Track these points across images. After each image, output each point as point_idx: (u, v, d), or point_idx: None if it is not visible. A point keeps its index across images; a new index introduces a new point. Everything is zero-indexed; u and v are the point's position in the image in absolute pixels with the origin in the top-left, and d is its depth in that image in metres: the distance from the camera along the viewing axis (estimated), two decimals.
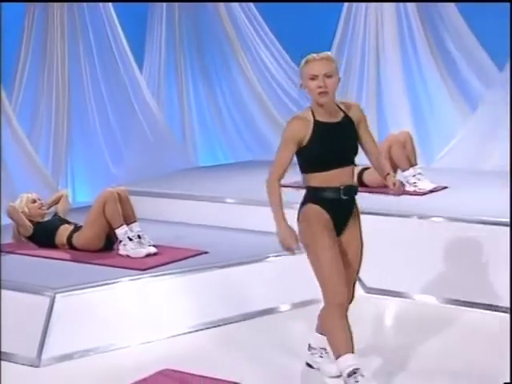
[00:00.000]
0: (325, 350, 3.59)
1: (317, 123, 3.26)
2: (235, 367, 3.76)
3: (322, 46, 8.31)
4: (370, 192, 5.78)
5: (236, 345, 4.17)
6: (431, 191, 5.73)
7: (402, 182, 3.61)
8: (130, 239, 4.79)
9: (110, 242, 4.92)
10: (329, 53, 3.34)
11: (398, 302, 4.85)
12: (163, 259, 4.69)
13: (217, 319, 4.43)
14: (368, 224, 5.08)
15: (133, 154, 7.91)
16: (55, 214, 5.31)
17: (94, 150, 7.85)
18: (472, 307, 4.62)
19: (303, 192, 6.20)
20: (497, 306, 4.53)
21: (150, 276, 4.46)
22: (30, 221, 5.12)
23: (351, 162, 3.34)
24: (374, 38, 8.06)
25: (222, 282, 4.63)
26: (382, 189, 5.84)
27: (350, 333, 3.20)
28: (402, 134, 5.99)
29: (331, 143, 3.25)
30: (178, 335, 4.28)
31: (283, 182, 6.63)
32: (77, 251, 4.90)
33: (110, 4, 8.00)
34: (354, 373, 3.09)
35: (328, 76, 3.23)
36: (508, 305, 4.47)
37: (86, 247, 4.89)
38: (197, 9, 8.82)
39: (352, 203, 3.39)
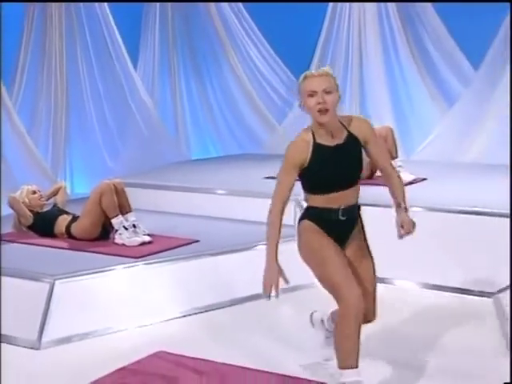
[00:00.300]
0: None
1: (317, 146, 2.96)
2: (225, 350, 3.76)
3: (308, 45, 8.44)
4: None
5: (226, 328, 4.17)
6: (411, 182, 5.74)
7: (413, 222, 3.15)
8: (126, 228, 4.79)
9: (106, 232, 4.92)
10: (328, 68, 3.03)
11: (379, 287, 4.85)
12: (157, 247, 4.69)
13: (208, 304, 4.43)
14: None
15: (128, 148, 7.91)
16: (54, 205, 5.29)
17: (91, 144, 7.84)
18: (448, 291, 4.64)
19: None
20: (471, 291, 4.56)
21: (145, 263, 4.46)
22: (30, 211, 5.10)
23: (355, 183, 3.07)
24: (357, 38, 8.07)
25: (212, 269, 4.63)
26: (363, 180, 5.86)
27: (359, 344, 2.96)
28: (383, 128, 5.98)
29: (332, 167, 2.96)
30: (171, 319, 4.28)
31: (272, 174, 6.64)
32: (75, 240, 4.89)
33: (106, 4, 7.97)
34: None
35: (327, 92, 2.93)
36: (482, 289, 4.50)
37: (84, 236, 4.89)
38: (189, 9, 8.80)
39: (353, 220, 3.13)
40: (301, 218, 3.12)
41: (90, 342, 3.99)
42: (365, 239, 3.21)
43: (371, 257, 3.21)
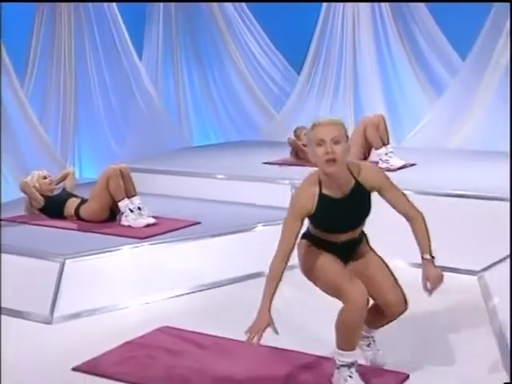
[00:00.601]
0: (372, 338, 3.17)
1: (322, 197, 2.79)
2: (225, 325, 3.77)
3: (304, 38, 8.41)
4: None
5: (226, 305, 4.18)
6: (401, 167, 5.76)
7: (441, 275, 2.90)
8: (131, 211, 4.79)
9: (113, 214, 4.92)
10: (338, 117, 2.83)
11: None
12: (161, 229, 4.69)
13: (209, 282, 4.45)
14: None
15: (133, 135, 7.90)
16: (63, 189, 5.29)
17: (98, 131, 7.83)
18: None
19: (287, 169, 6.22)
20: (458, 269, 4.58)
21: (149, 244, 4.47)
22: (41, 195, 5.10)
23: (359, 227, 2.94)
24: (351, 31, 8.04)
25: (213, 250, 4.64)
26: None
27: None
28: (375, 116, 5.99)
29: (336, 218, 2.82)
30: (174, 296, 4.30)
31: (269, 159, 6.64)
32: (83, 222, 4.90)
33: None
34: (352, 364, 2.89)
35: (336, 142, 2.73)
36: (467, 267, 4.51)
37: (92, 218, 4.89)
38: (191, 6, 8.76)
39: (355, 245, 2.99)
40: (301, 237, 2.96)
41: (98, 317, 4.01)
42: (372, 251, 3.08)
43: (377, 256, 3.09)
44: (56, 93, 7.51)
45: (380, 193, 2.92)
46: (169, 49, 8.82)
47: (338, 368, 2.93)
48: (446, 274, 4.49)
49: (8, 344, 3.65)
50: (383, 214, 4.93)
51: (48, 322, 3.93)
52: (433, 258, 2.94)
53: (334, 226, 2.88)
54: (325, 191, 2.81)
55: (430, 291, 2.90)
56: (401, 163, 5.78)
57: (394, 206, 2.95)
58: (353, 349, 2.89)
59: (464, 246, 4.61)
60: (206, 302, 4.24)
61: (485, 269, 4.43)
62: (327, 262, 2.90)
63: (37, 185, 5.12)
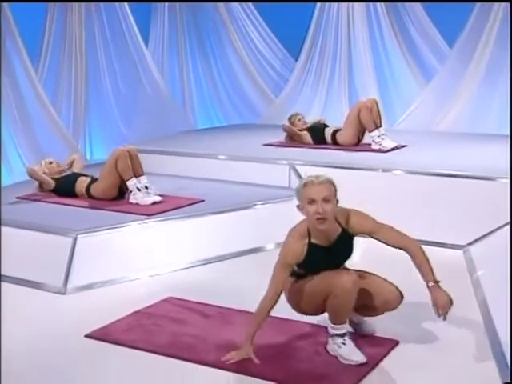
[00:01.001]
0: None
1: (311, 246, 2.83)
2: (228, 296, 3.78)
3: (302, 26, 8.34)
4: (342, 150, 5.79)
5: (228, 278, 4.18)
6: (393, 149, 5.73)
7: (449, 299, 2.81)
8: (139, 189, 4.77)
9: (121, 192, 4.90)
10: (328, 176, 2.83)
11: (362, 241, 4.87)
12: (167, 206, 4.68)
13: (212, 256, 4.44)
14: (340, 177, 5.12)
15: (141, 118, 7.86)
16: (72, 172, 5.25)
17: (107, 114, 7.79)
18: (423, 244, 4.62)
19: (285, 150, 6.20)
20: (444, 244, 4.58)
21: (156, 220, 4.46)
22: (51, 178, 5.07)
23: (342, 266, 3.00)
24: (346, 21, 8.01)
25: (216, 226, 4.63)
26: (351, 147, 5.88)
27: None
28: (369, 100, 5.94)
29: (322, 262, 2.86)
30: (179, 269, 4.30)
31: (269, 141, 6.60)
32: (94, 200, 4.88)
33: None
34: (344, 334, 2.90)
35: (326, 201, 2.76)
36: (453, 242, 4.51)
37: (102, 196, 4.87)
38: None
39: None
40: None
41: (108, 288, 4.01)
42: None
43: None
44: (68, 78, 7.46)
45: (371, 236, 2.94)
46: (174, 37, 8.76)
47: (331, 336, 2.94)
48: (433, 248, 4.56)
49: (26, 312, 3.67)
50: (373, 194, 4.97)
51: (62, 292, 3.93)
52: (437, 282, 2.89)
53: (319, 268, 2.90)
54: (314, 241, 2.85)
55: (443, 316, 2.84)
56: (393, 145, 5.75)
57: (388, 244, 2.94)
58: (344, 322, 2.91)
59: (451, 222, 4.61)
60: (209, 274, 4.24)
61: (470, 243, 4.42)
62: (312, 278, 2.92)
63: (46, 170, 5.10)
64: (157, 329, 3.33)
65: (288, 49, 8.75)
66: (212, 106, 8.93)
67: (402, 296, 3.04)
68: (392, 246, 2.95)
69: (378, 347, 3.04)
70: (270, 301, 2.84)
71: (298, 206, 2.87)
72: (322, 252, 2.86)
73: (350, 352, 2.89)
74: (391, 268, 4.26)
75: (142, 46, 8.07)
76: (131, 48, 7.95)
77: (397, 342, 3.10)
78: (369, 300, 3.00)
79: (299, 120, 6.26)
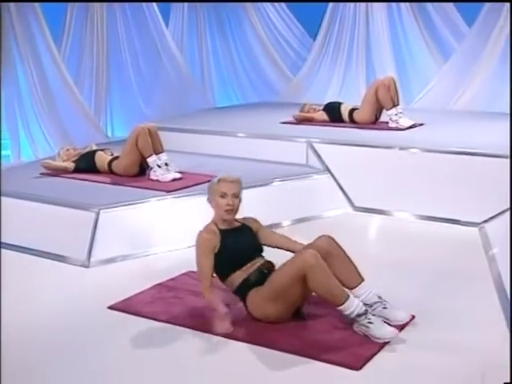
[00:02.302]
0: (381, 299, 3.06)
1: (222, 231, 3.13)
2: None
3: (320, 6, 8.23)
4: (359, 128, 5.75)
5: None
6: (410, 127, 5.68)
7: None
8: (159, 166, 4.78)
9: (142, 169, 4.92)
10: (238, 176, 3.23)
11: (380, 218, 4.88)
12: (186, 183, 4.69)
13: None
14: (358, 155, 5.14)
15: (161, 97, 7.86)
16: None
17: (128, 93, 7.80)
18: (440, 222, 4.64)
19: (302, 128, 6.16)
20: (460, 221, 4.56)
21: (176, 196, 4.47)
22: (70, 161, 5.09)
23: (259, 256, 3.16)
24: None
25: None
26: (369, 125, 5.84)
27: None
28: (386, 78, 5.87)
29: (239, 243, 3.12)
30: None
31: (286, 119, 6.57)
32: (116, 176, 4.90)
33: None
34: (366, 312, 2.88)
35: (235, 196, 3.16)
36: (469, 219, 4.48)
37: (123, 173, 4.88)
38: None
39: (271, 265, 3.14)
40: (243, 297, 3.09)
41: (130, 262, 4.05)
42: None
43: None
44: (90, 57, 7.47)
45: (259, 233, 3.26)
46: (193, 16, 8.71)
47: (355, 320, 2.88)
48: (449, 225, 4.56)
49: (52, 284, 3.72)
50: (390, 172, 4.94)
51: (85, 265, 3.98)
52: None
53: (242, 251, 3.11)
54: (222, 227, 3.17)
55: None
56: (410, 123, 5.70)
57: (272, 242, 3.24)
58: (347, 297, 2.86)
59: (467, 199, 4.57)
60: None
61: (485, 221, 4.39)
62: (274, 275, 3.01)
63: (64, 158, 5.12)
64: (177, 301, 3.37)
65: (306, 27, 8.66)
66: (230, 84, 8.90)
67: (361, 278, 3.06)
68: (274, 245, 3.24)
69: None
70: (209, 288, 3.04)
71: (208, 199, 3.23)
72: (233, 232, 3.17)
73: (380, 329, 2.82)
74: (405, 244, 4.28)
75: (163, 26, 8.05)
76: (152, 28, 7.93)
77: (412, 317, 3.10)
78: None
79: (311, 106, 6.23)
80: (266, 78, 8.64)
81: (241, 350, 2.87)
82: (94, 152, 5.10)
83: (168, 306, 3.31)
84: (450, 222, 4.58)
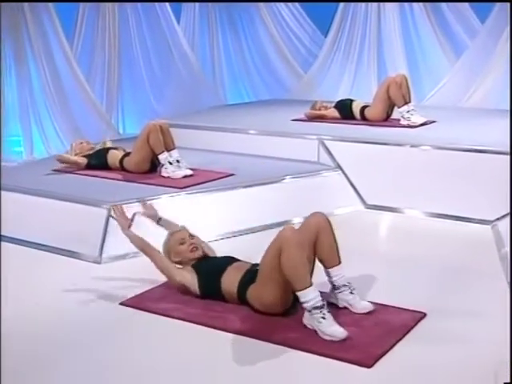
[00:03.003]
0: (350, 284, 3.11)
1: (194, 265, 3.33)
2: None
3: (331, 2, 8.19)
4: (371, 125, 5.73)
5: (256, 250, 4.14)
6: (422, 124, 5.66)
7: None
8: (170, 163, 4.79)
9: (153, 166, 4.93)
10: (182, 226, 3.52)
11: (391, 216, 4.86)
12: (198, 180, 4.70)
13: (242, 229, 4.45)
14: (370, 152, 5.12)
15: (172, 93, 7.87)
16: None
17: (140, 90, 7.82)
18: (451, 219, 4.61)
19: (314, 125, 6.14)
20: (472, 219, 4.53)
21: (187, 193, 4.48)
22: (83, 156, 5.11)
23: (236, 260, 3.34)
24: None
25: (245, 199, 4.64)
26: (380, 122, 5.81)
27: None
28: (398, 76, 5.84)
29: (215, 262, 3.36)
30: (209, 242, 4.28)
31: (297, 116, 6.53)
32: (127, 173, 4.92)
33: None
34: (323, 306, 2.85)
35: (191, 237, 3.41)
36: (481, 217, 4.45)
37: (135, 169, 4.90)
38: None
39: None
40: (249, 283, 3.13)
41: (141, 258, 4.00)
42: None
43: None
44: (101, 54, 7.50)
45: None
46: (205, 13, 8.70)
47: (309, 311, 2.85)
48: (461, 223, 4.53)
49: (64, 281, 3.74)
50: (401, 169, 4.92)
51: (97, 261, 4.00)
52: None
53: (217, 261, 3.37)
54: (192, 262, 3.37)
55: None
56: (422, 120, 5.67)
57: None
58: (309, 285, 2.83)
59: (479, 197, 4.54)
60: (238, 246, 4.24)
61: (498, 219, 4.36)
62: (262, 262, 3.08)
63: (77, 151, 5.15)
64: (188, 298, 3.36)
65: (317, 24, 8.63)
66: (242, 81, 8.89)
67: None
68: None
69: (405, 319, 3.03)
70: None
71: (169, 259, 3.40)
72: (204, 260, 3.38)
73: (331, 327, 2.81)
74: (417, 242, 4.26)
75: (174, 23, 8.05)
76: (163, 25, 7.94)
77: (424, 315, 3.09)
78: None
79: (320, 107, 6.21)
80: (276, 75, 8.62)
81: (250, 346, 2.87)
82: (107, 150, 5.12)
83: (179, 302, 3.31)
84: (462, 220, 4.55)
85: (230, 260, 3.34)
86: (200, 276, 3.29)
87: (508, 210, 4.29)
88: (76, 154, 5.12)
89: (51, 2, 6.83)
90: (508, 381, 2.42)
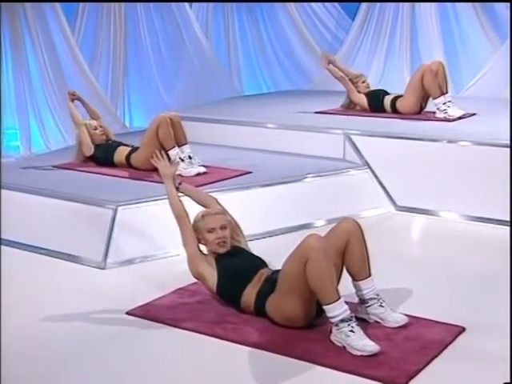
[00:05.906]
0: (378, 297, 3.13)
1: (216, 258, 3.33)
2: None
3: None
4: (402, 118, 5.73)
5: (274, 255, 4.15)
6: (460, 118, 5.64)
7: None
8: (182, 160, 4.81)
9: None
10: (221, 208, 3.47)
11: (425, 219, 4.86)
12: (211, 178, 4.72)
13: (258, 233, 4.44)
14: (401, 148, 5.12)
15: (183, 83, 7.92)
16: (112, 140, 5.34)
17: (147, 79, 7.88)
18: (491, 223, 4.60)
19: (340, 118, 6.13)
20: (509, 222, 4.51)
21: None
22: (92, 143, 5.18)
23: (264, 267, 3.32)
24: None
25: (263, 200, 4.66)
26: (413, 115, 5.81)
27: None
28: (434, 63, 5.83)
29: (236, 260, 3.32)
30: None
31: (322, 109, 6.53)
32: (134, 170, 4.96)
33: None
34: (351, 318, 2.87)
35: (224, 227, 3.32)
36: None
37: (142, 166, 4.93)
38: None
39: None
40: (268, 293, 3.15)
41: (150, 263, 4.10)
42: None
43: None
44: (106, 39, 7.56)
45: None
46: None
47: (336, 325, 2.87)
48: (500, 227, 4.49)
49: (64, 287, 3.79)
50: (437, 168, 4.90)
51: (101, 267, 4.04)
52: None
53: (243, 268, 3.27)
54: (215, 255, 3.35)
55: None
56: (460, 113, 5.66)
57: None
58: (337, 298, 2.85)
59: None
60: (255, 251, 4.26)
61: None
62: (282, 271, 3.08)
63: (91, 131, 5.20)
64: (201, 307, 3.40)
65: (344, 7, 8.63)
66: (260, 70, 8.92)
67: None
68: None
69: (443, 334, 3.04)
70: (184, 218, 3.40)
71: (197, 239, 3.37)
72: (227, 255, 3.34)
73: (361, 341, 2.82)
74: (453, 247, 4.25)
75: (186, 5, 8.09)
76: (173, 7, 7.98)
77: (463, 329, 3.09)
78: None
79: (363, 82, 6.17)
80: (298, 64, 8.64)
81: (273, 361, 2.89)
82: (116, 146, 5.17)
83: (191, 312, 3.35)
84: (504, 224, 4.54)
85: (257, 267, 3.30)
86: (221, 276, 3.27)
87: None
88: (88, 132, 5.16)
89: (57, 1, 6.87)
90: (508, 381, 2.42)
